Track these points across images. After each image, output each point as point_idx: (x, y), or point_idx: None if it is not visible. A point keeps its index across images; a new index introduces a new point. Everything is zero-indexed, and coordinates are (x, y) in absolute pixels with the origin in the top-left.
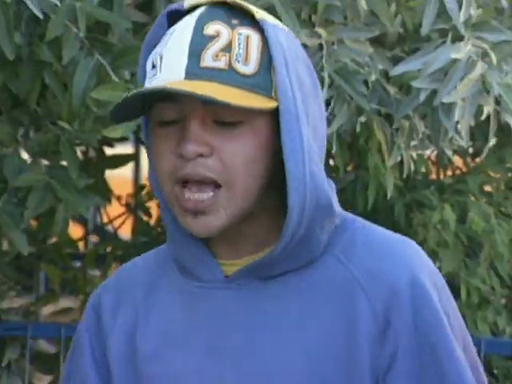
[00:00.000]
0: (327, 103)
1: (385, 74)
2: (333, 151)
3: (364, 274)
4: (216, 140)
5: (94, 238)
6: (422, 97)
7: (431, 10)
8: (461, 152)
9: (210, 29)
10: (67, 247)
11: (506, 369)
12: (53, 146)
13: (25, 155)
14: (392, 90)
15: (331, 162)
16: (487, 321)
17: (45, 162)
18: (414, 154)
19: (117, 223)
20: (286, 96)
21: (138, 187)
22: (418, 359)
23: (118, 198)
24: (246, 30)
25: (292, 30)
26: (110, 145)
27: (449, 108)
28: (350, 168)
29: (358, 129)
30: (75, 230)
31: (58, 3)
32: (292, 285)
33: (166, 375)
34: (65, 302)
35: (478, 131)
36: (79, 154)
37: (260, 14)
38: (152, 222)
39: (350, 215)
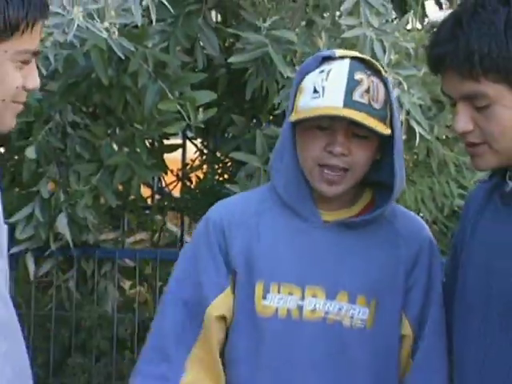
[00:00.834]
0: None
1: None
2: None
3: (404, 232)
4: (353, 147)
5: (157, 196)
6: None
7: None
8: None
9: (357, 76)
10: (140, 202)
11: None
12: (131, 139)
13: (114, 145)
14: None
15: None
16: None
17: (126, 149)
18: None
19: (171, 187)
20: (398, 128)
21: (184, 164)
22: (427, 285)
23: (172, 171)
24: (375, 79)
25: None
26: (167, 138)
27: None
28: None
29: None
30: (145, 191)
31: (134, 49)
32: (366, 233)
33: (271, 266)
34: (139, 236)
35: None
36: (147, 144)
37: (381, 69)
38: (192, 186)
39: None
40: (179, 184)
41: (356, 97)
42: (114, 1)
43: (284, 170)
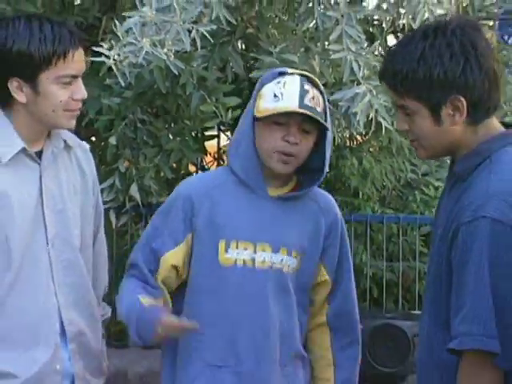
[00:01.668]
0: None
1: None
2: None
3: (323, 207)
4: (301, 139)
5: (199, 171)
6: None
7: (347, 72)
8: (359, 133)
9: (306, 87)
10: (188, 175)
11: None
12: (181, 131)
13: (170, 135)
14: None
15: None
16: None
17: (178, 138)
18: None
19: (209, 164)
20: (331, 124)
21: (219, 149)
22: (340, 245)
23: (210, 154)
24: (316, 91)
25: None
26: (206, 130)
27: (354, 113)
28: None
29: None
30: (191, 167)
31: (184, 68)
32: (297, 205)
33: (231, 228)
34: None
35: (368, 124)
36: (193, 134)
37: (319, 84)
38: (224, 164)
39: None
40: (215, 163)
41: (306, 101)
42: (171, 33)
43: (242, 155)
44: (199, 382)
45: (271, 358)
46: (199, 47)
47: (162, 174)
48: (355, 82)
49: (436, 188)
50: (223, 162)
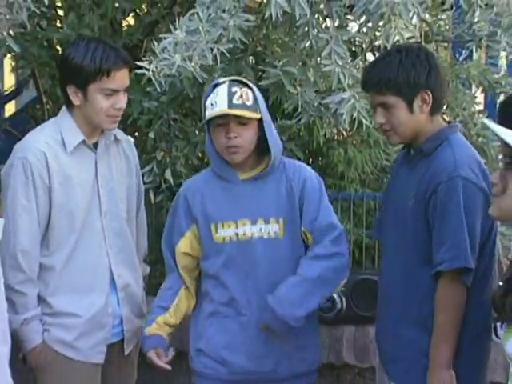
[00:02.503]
0: None
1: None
2: None
3: (291, 172)
4: (240, 131)
5: None
6: (333, 109)
7: (335, 81)
8: (344, 129)
9: (233, 89)
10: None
11: None
12: (205, 128)
13: (196, 131)
14: None
15: None
16: None
17: (202, 133)
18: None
19: None
20: (265, 114)
21: None
22: (316, 199)
23: None
24: (246, 89)
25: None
26: None
27: (341, 114)
28: None
29: None
30: None
31: (207, 78)
32: (269, 180)
33: (216, 213)
34: None
35: (351, 122)
36: None
37: (247, 81)
38: None
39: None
40: None
41: (234, 101)
42: (197, 51)
43: (211, 155)
44: (210, 328)
45: (263, 305)
46: (219, 62)
47: (189, 162)
48: (342, 89)
49: None
50: None
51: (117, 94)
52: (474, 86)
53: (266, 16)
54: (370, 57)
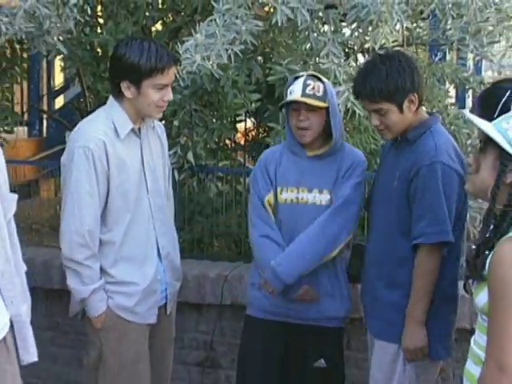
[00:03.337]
0: None
1: None
2: None
3: (346, 156)
4: (309, 115)
5: (233, 144)
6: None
7: (332, 77)
8: None
9: (308, 82)
10: (225, 146)
11: None
12: (221, 116)
13: (213, 119)
14: None
15: None
16: None
17: (219, 121)
18: None
19: (239, 139)
20: (333, 104)
21: (245, 129)
22: (350, 179)
23: (240, 132)
24: (318, 82)
25: None
26: (238, 116)
27: (337, 104)
28: None
29: None
30: (227, 141)
31: (223, 74)
32: (328, 160)
33: (284, 179)
34: (225, 162)
35: (346, 112)
36: (229, 119)
37: (322, 77)
38: (250, 139)
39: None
40: (243, 138)
41: (307, 91)
42: (214, 52)
43: (287, 132)
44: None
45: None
46: (233, 61)
47: (208, 145)
48: (337, 84)
49: None
50: (249, 137)
51: (166, 88)
52: (447, 83)
53: (273, 22)
54: (361, 57)
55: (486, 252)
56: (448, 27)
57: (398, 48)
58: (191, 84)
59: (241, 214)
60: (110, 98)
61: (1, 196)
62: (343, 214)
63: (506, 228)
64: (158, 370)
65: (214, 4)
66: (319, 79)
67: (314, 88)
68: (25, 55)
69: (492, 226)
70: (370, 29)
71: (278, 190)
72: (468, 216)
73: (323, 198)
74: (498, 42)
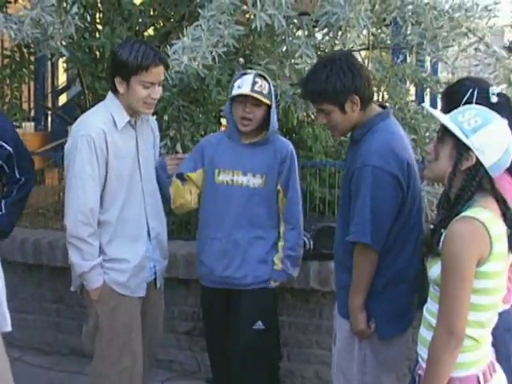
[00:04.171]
0: None
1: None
2: None
3: (279, 147)
4: (254, 109)
5: None
6: None
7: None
8: (313, 112)
9: (257, 79)
10: None
11: None
12: (206, 111)
13: (200, 114)
14: None
15: None
16: None
17: (204, 116)
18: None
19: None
20: (273, 102)
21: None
22: (289, 170)
23: (224, 126)
24: (264, 81)
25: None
26: (221, 111)
27: None
28: None
29: None
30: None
31: (208, 73)
32: (263, 148)
33: (221, 162)
34: None
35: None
36: (213, 114)
37: (266, 76)
38: None
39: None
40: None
41: (255, 87)
42: (200, 53)
43: (229, 122)
44: (207, 247)
45: (240, 234)
46: (217, 62)
47: (194, 138)
48: None
49: None
50: None
51: (153, 86)
52: (408, 82)
53: (253, 27)
54: None
55: (442, 231)
56: (408, 33)
57: (361, 50)
58: (179, 82)
59: None
60: (109, 93)
61: None
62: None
63: (459, 209)
64: (150, 334)
65: (200, 11)
66: (265, 79)
67: (261, 86)
68: (32, 58)
69: (447, 208)
70: (339, 33)
71: (216, 171)
72: (426, 200)
73: (256, 181)
74: (452, 46)
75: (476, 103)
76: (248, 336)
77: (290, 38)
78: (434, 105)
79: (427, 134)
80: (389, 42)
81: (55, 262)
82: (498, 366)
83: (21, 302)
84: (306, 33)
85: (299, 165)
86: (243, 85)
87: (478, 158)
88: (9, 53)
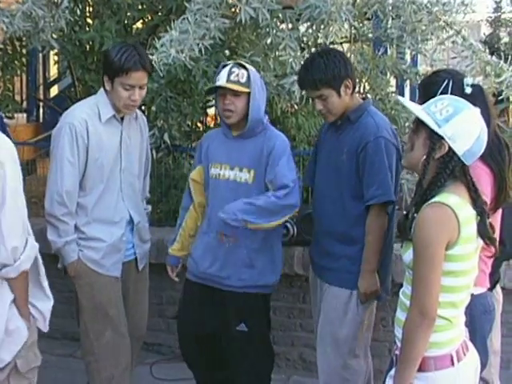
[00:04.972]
0: None
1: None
2: None
3: (267, 138)
4: (234, 99)
5: (204, 127)
6: (287, 88)
7: (289, 68)
8: (296, 103)
9: (233, 69)
10: (198, 128)
11: None
12: (193, 101)
13: (185, 104)
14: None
15: None
16: None
17: (191, 106)
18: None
19: (209, 123)
20: (255, 90)
21: (215, 114)
22: (275, 162)
23: (210, 116)
24: (242, 70)
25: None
26: (208, 102)
27: (293, 91)
28: None
29: None
30: (199, 124)
31: (195, 65)
32: (251, 140)
33: (212, 156)
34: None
35: (301, 98)
36: (200, 105)
37: (247, 65)
38: (218, 121)
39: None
40: (213, 122)
41: (231, 78)
42: (187, 46)
43: (220, 116)
44: (198, 241)
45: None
46: (203, 54)
47: (182, 128)
48: (294, 74)
49: None
50: (218, 121)
51: (133, 89)
52: (388, 74)
53: (238, 20)
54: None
55: (415, 216)
56: (389, 26)
57: (343, 43)
58: (167, 74)
59: None
60: (101, 88)
61: None
62: (288, 201)
63: (431, 196)
64: (134, 315)
65: (187, 5)
66: (244, 67)
67: (238, 75)
68: (23, 51)
69: (419, 195)
70: (321, 27)
71: (210, 165)
72: (406, 188)
73: (243, 175)
74: (430, 39)
75: (451, 94)
76: (232, 336)
77: (274, 31)
78: (413, 96)
79: (407, 124)
80: (370, 35)
81: (46, 249)
82: (470, 344)
83: None
84: (290, 26)
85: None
86: (220, 77)
87: (450, 147)
88: (1, 46)
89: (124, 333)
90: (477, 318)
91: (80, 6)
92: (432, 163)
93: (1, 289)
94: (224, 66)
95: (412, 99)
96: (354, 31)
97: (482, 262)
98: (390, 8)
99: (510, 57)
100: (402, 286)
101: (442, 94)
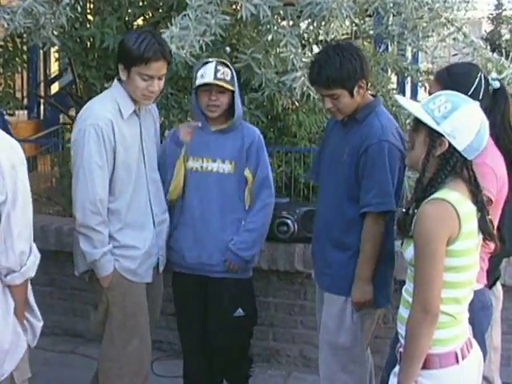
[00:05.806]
0: None
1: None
2: None
3: (246, 133)
4: (219, 96)
5: None
6: (288, 85)
7: (290, 64)
8: (297, 100)
9: (218, 67)
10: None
11: None
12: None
13: (186, 100)
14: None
15: None
16: None
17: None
18: None
19: None
20: (237, 88)
21: None
22: (257, 155)
23: None
24: (227, 69)
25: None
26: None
27: (294, 88)
28: None
29: None
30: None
31: (196, 61)
32: (230, 135)
33: (192, 150)
34: None
35: (302, 95)
36: None
37: (229, 64)
38: None
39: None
40: None
41: (218, 75)
42: (188, 42)
43: (196, 111)
44: (178, 232)
45: (212, 221)
46: (204, 50)
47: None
48: (295, 70)
49: None
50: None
51: (152, 79)
52: (389, 71)
53: (239, 17)
54: (316, 48)
55: (415, 212)
56: (389, 23)
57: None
58: (167, 71)
59: None
60: (115, 79)
61: None
62: (269, 199)
63: (431, 192)
64: (150, 316)
65: (188, 1)
66: (227, 66)
67: (223, 73)
68: (24, 48)
69: (419, 191)
70: (322, 23)
71: (190, 160)
72: (407, 185)
73: (226, 167)
74: (431, 36)
75: (483, 90)
76: (227, 321)
77: (275, 28)
78: (414, 92)
79: (408, 120)
80: (371, 32)
81: (48, 245)
82: (474, 341)
83: None
84: (291, 23)
85: (283, 150)
86: (206, 74)
87: (450, 143)
88: (1, 43)
89: (149, 342)
90: (475, 314)
91: (81, 3)
92: (432, 160)
93: (6, 296)
94: (205, 64)
95: (413, 96)
96: (354, 28)
97: (480, 259)
98: (391, 5)
99: (511, 54)
100: (402, 282)
101: (475, 89)
